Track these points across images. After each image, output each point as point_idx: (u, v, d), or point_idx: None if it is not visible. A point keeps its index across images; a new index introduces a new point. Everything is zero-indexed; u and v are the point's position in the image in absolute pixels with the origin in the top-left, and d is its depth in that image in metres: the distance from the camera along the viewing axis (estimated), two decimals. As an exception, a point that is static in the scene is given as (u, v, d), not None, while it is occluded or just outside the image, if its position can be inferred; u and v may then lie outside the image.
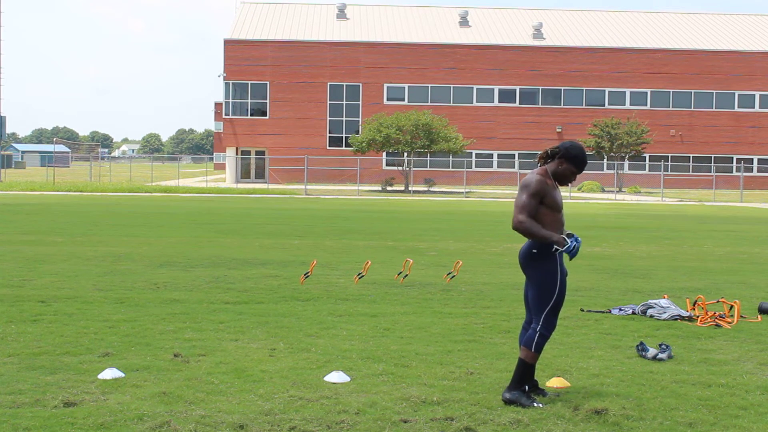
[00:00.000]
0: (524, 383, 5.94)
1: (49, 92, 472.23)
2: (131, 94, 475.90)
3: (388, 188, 51.54)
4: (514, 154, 62.45)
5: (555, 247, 5.87)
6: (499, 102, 63.14)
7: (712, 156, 63.97)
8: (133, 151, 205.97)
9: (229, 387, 6.18)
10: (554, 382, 6.41)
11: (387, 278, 12.01)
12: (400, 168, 54.90)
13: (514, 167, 60.23)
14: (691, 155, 63.78)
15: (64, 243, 16.48)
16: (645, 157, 60.64)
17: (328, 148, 62.00)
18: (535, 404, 5.81)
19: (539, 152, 6.24)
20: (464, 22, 67.83)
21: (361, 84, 62.50)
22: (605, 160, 58.94)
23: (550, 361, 7.15)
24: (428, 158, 59.51)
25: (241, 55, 61.81)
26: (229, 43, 62.16)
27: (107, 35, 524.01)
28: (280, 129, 61.51)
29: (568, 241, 5.86)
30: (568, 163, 5.98)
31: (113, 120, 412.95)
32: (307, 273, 11.45)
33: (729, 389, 6.35)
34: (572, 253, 5.85)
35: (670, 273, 13.46)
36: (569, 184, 6.09)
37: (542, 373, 6.67)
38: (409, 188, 51.23)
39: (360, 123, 59.75)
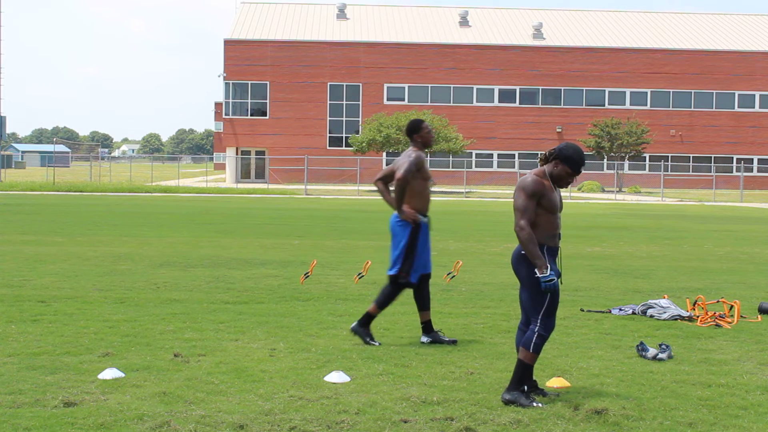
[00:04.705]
0: (523, 383, 5.95)
1: (49, 92, 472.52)
2: (131, 94, 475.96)
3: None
4: (514, 154, 62.42)
5: (535, 271, 5.84)
6: (499, 102, 63.14)
7: (712, 156, 63.98)
8: (133, 151, 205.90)
9: (229, 387, 6.18)
10: (554, 382, 6.41)
11: (387, 278, 11.96)
12: (400, 168, 54.79)
13: (514, 167, 60.19)
14: (691, 155, 63.79)
15: (64, 243, 16.47)
16: (645, 157, 60.64)
17: (328, 148, 62.01)
18: (535, 404, 5.81)
19: (539, 152, 6.16)
20: (464, 22, 67.82)
21: (361, 84, 62.50)
22: (605, 160, 58.94)
23: (550, 361, 7.15)
24: (428, 158, 59.49)
25: (241, 55, 61.81)
26: (229, 43, 62.16)
27: (107, 35, 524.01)
28: (280, 129, 61.52)
29: (549, 273, 5.80)
30: (563, 164, 5.94)
31: (113, 120, 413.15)
32: (307, 273, 11.43)
33: (729, 389, 6.35)
34: (545, 285, 5.80)
35: (670, 273, 13.45)
36: (567, 186, 6.04)
37: (542, 373, 6.67)
38: (409, 188, 51.14)
39: (360, 123, 59.75)
